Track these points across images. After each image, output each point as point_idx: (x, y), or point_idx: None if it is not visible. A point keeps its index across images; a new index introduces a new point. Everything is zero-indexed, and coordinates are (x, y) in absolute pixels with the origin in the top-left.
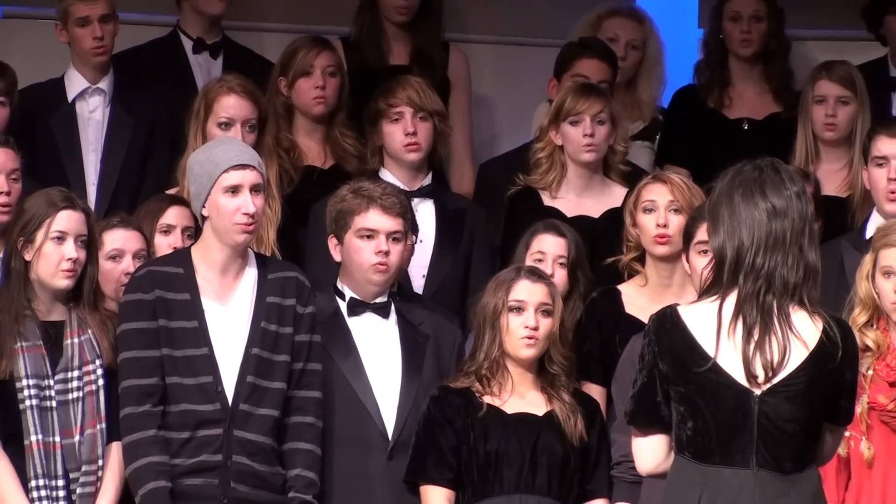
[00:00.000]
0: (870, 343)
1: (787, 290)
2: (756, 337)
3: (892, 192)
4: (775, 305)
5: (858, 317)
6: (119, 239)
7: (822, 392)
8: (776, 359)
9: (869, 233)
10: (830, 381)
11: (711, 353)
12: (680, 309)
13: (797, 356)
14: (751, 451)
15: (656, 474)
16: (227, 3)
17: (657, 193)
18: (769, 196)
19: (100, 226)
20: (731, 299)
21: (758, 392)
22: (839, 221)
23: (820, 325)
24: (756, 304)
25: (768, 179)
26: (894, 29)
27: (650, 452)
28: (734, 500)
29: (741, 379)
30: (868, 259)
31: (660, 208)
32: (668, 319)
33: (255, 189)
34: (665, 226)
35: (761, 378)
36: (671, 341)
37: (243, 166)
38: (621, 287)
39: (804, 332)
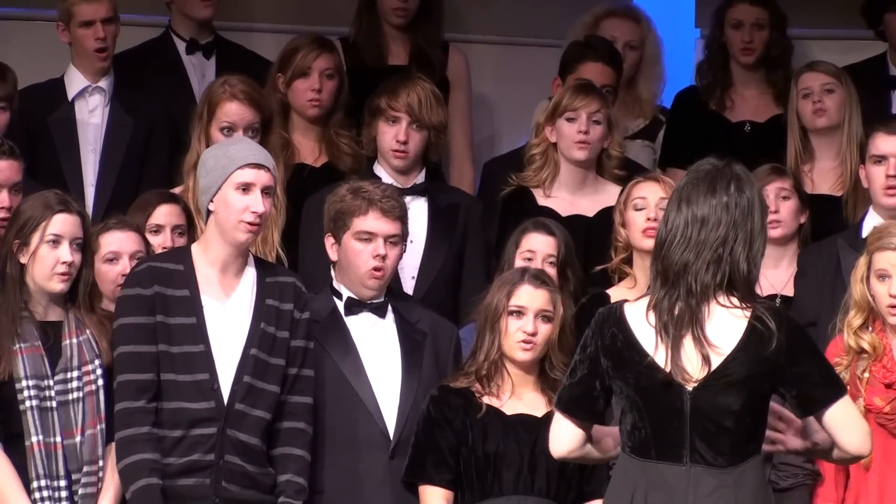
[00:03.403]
0: (865, 346)
1: (694, 294)
2: (671, 336)
3: (890, 188)
4: (687, 307)
5: (854, 319)
6: (115, 241)
7: (759, 382)
8: (697, 356)
9: (865, 231)
10: (769, 371)
11: (649, 349)
12: (626, 306)
13: (723, 348)
14: (684, 447)
15: (568, 460)
16: (214, 7)
17: (648, 191)
18: (693, 203)
19: (96, 228)
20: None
21: (690, 387)
22: (833, 220)
23: (747, 316)
24: (668, 304)
25: (704, 182)
26: (894, 28)
27: (569, 439)
28: (669, 496)
29: (675, 375)
30: (862, 262)
31: (650, 205)
32: (612, 315)
33: (266, 191)
34: (656, 219)
35: (688, 374)
36: (612, 336)
37: (258, 166)
38: (611, 291)
39: (724, 325)
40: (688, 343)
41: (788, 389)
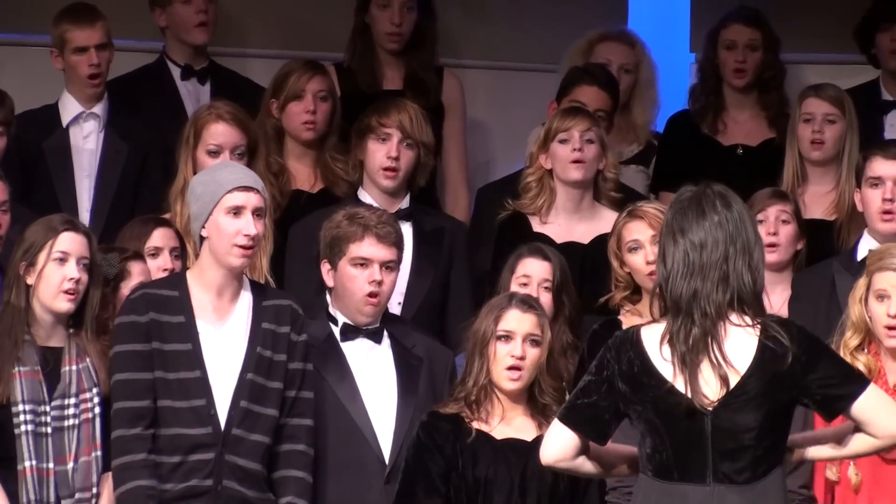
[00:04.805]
0: (861, 367)
1: (709, 316)
2: (689, 364)
3: (886, 213)
4: (702, 331)
5: (850, 340)
6: (142, 273)
7: (777, 396)
8: (715, 379)
9: (860, 255)
10: (787, 384)
11: (668, 375)
12: (642, 330)
13: (739, 367)
14: (706, 468)
15: (555, 468)
16: (210, 33)
17: (638, 231)
18: (687, 232)
19: (122, 255)
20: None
21: (710, 408)
22: (827, 245)
23: (757, 332)
24: (683, 334)
25: (692, 209)
26: (885, 47)
27: (566, 448)
28: None
29: (695, 401)
30: (862, 283)
31: (645, 245)
32: (629, 339)
33: (256, 213)
34: (654, 262)
35: (707, 399)
36: (629, 361)
37: (247, 188)
38: (622, 318)
39: (739, 344)
40: (705, 368)
41: (811, 396)
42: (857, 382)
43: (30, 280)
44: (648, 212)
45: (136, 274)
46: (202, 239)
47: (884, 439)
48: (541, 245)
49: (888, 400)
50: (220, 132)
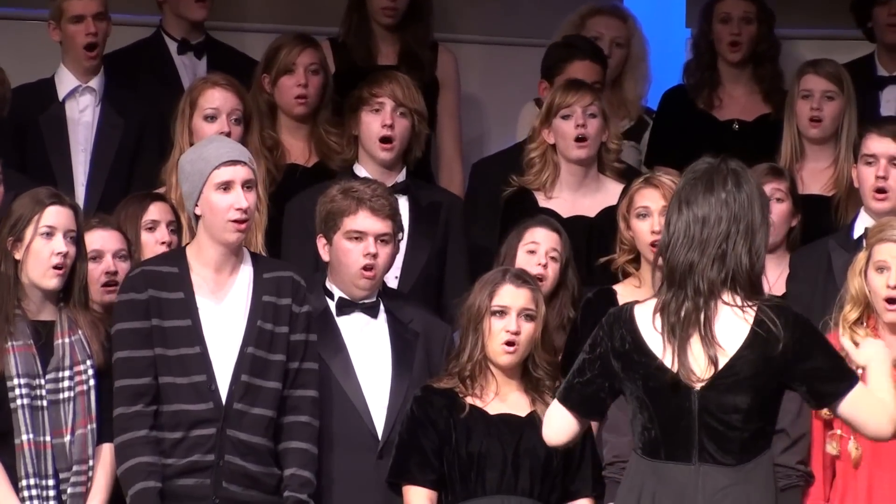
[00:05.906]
0: (860, 341)
1: (701, 293)
2: (678, 337)
3: (879, 192)
4: (694, 306)
5: (849, 314)
6: (98, 239)
7: (766, 380)
8: (703, 356)
9: (857, 232)
10: (776, 369)
11: (658, 352)
12: (636, 307)
13: (729, 348)
14: (692, 447)
15: (559, 447)
16: (208, 9)
17: (650, 199)
18: (693, 204)
19: None
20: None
21: (698, 387)
22: (824, 221)
23: (750, 316)
24: (675, 305)
25: (702, 182)
26: (883, 21)
27: (565, 429)
28: (678, 494)
29: (682, 376)
30: (862, 255)
31: (654, 214)
32: (622, 316)
33: (246, 185)
34: (660, 231)
35: (695, 375)
36: (622, 338)
37: (234, 162)
38: (617, 287)
39: (729, 324)
40: (695, 343)
41: (798, 385)
42: (845, 381)
43: (17, 255)
44: (664, 182)
45: (88, 243)
46: (197, 217)
47: (871, 436)
48: (548, 217)
49: (870, 400)
50: (216, 97)
